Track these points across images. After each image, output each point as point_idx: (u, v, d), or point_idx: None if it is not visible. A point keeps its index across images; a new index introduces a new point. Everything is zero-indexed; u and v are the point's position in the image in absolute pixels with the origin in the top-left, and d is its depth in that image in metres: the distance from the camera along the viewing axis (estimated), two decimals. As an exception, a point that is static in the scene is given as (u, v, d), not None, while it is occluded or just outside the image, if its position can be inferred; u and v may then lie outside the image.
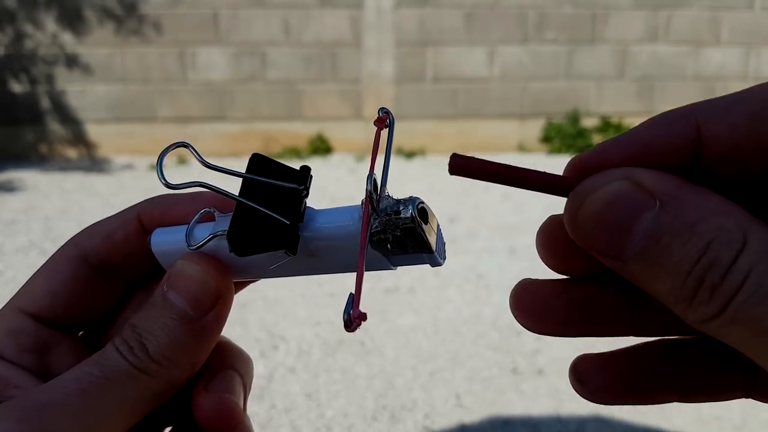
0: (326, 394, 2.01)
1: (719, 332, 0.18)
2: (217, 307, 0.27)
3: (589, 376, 0.25)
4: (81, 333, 0.32)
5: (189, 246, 0.28)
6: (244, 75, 5.32)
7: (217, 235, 0.27)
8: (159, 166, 0.26)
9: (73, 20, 5.14)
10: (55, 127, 5.35)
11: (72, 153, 5.41)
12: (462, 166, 0.23)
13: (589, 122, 5.65)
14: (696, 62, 5.62)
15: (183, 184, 0.28)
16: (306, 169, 0.28)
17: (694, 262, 0.18)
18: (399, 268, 0.28)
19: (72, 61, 5.20)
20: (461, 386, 2.04)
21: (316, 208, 0.28)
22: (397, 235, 0.25)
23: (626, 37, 5.52)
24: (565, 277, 0.26)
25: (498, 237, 3.32)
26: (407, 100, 5.49)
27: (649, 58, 5.58)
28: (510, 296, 0.26)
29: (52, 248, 3.29)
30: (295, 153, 5.44)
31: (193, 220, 0.29)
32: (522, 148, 5.67)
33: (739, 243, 0.18)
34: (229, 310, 0.28)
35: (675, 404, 0.26)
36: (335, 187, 4.52)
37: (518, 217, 3.66)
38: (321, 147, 5.48)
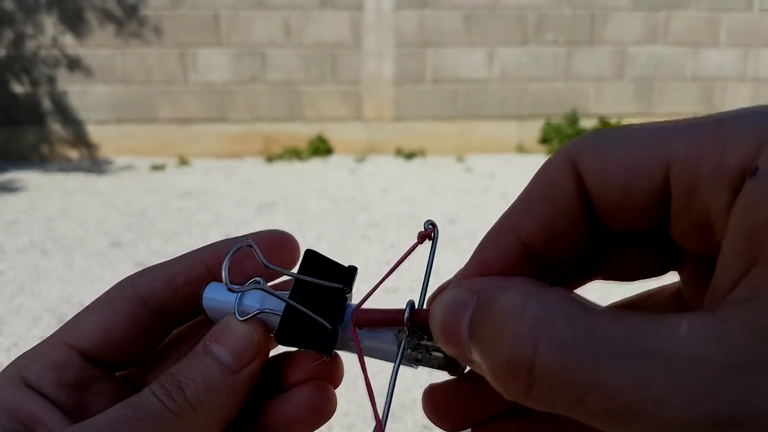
0: (327, 393, 2.02)
1: (544, 407, 0.19)
2: (254, 362, 0.28)
3: (442, 407, 0.27)
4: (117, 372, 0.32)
5: (238, 316, 0.29)
6: (244, 76, 5.34)
7: (264, 312, 0.29)
8: (226, 269, 0.28)
9: (74, 21, 5.16)
10: (56, 128, 5.36)
11: (73, 154, 5.43)
12: (364, 319, 0.27)
13: (588, 123, 5.67)
14: (694, 63, 5.63)
15: (244, 288, 0.29)
16: (353, 270, 0.30)
17: (490, 338, 0.19)
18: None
19: (73, 63, 5.21)
20: (460, 385, 2.05)
21: (354, 303, 0.29)
22: (428, 357, 0.27)
23: (625, 38, 5.53)
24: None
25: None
26: (407, 101, 5.50)
27: (647, 59, 5.60)
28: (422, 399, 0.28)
29: (53, 248, 3.31)
30: (296, 154, 5.46)
31: (245, 288, 0.30)
32: (521, 149, 5.68)
33: (519, 310, 0.19)
34: (262, 369, 0.29)
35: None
36: (335, 188, 4.54)
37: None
38: (321, 148, 5.50)
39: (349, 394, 2.01)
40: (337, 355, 0.30)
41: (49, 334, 0.30)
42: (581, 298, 0.20)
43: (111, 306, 0.30)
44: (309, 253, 0.30)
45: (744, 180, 0.17)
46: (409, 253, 0.29)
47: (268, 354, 0.29)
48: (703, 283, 0.20)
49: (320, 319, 0.28)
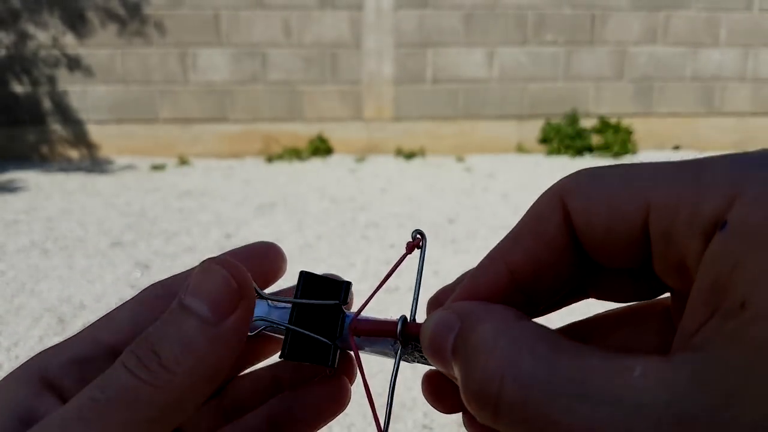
0: (327, 393, 2.02)
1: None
2: (238, 310, 0.25)
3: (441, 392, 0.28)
4: None
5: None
6: (244, 76, 5.35)
7: (271, 326, 0.30)
8: None
9: (74, 22, 5.17)
10: (56, 127, 5.37)
11: (73, 153, 5.43)
12: (362, 329, 0.29)
13: (587, 123, 5.67)
14: (694, 63, 5.64)
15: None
16: (347, 285, 0.31)
17: (465, 367, 0.21)
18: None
19: (73, 62, 5.22)
20: (460, 385, 2.05)
21: (350, 312, 0.30)
22: (423, 361, 0.29)
23: (625, 38, 5.54)
24: None
25: (498, 237, 3.33)
26: (407, 100, 5.51)
27: (647, 58, 5.60)
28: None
29: (53, 248, 3.31)
30: (296, 154, 5.46)
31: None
32: (521, 149, 5.68)
33: (491, 345, 0.20)
34: (248, 323, 0.26)
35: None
36: (335, 188, 4.54)
37: (518, 217, 3.65)
38: (321, 147, 5.50)
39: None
40: (347, 354, 0.31)
41: (49, 334, 0.29)
42: (550, 333, 0.21)
43: (144, 303, 0.29)
44: (304, 274, 0.31)
45: (715, 230, 0.18)
46: (399, 264, 0.30)
47: (254, 300, 0.27)
48: (683, 307, 0.20)
49: (320, 338, 0.29)
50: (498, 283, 0.24)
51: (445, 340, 0.23)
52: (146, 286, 0.30)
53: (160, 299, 0.29)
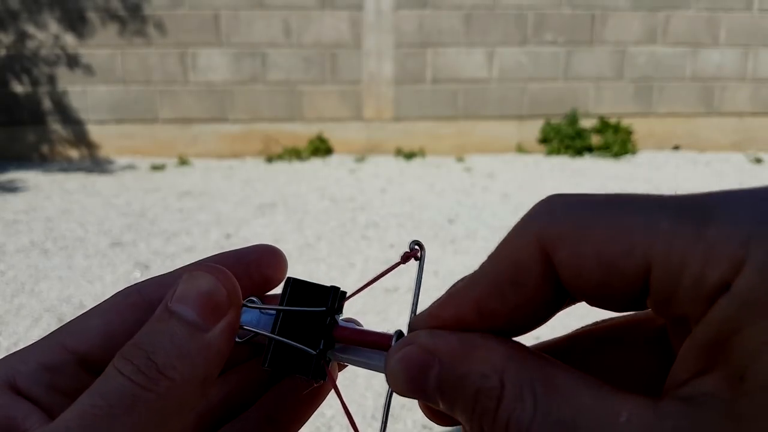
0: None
1: None
2: (228, 316, 0.25)
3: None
4: None
5: (237, 338, 0.29)
6: (244, 76, 5.35)
7: (260, 334, 0.29)
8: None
9: (74, 21, 5.17)
10: (56, 127, 5.37)
11: (73, 153, 5.43)
12: (342, 336, 0.28)
13: (587, 123, 5.68)
14: (694, 63, 5.64)
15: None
16: (335, 290, 0.29)
17: (470, 412, 0.22)
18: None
19: (73, 62, 5.22)
20: (460, 385, 2.05)
21: (344, 322, 0.30)
22: None
23: (624, 38, 5.54)
24: None
25: (497, 237, 3.33)
26: (407, 101, 5.51)
27: (647, 58, 5.60)
28: None
29: (53, 248, 3.31)
30: (296, 154, 5.47)
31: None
32: (520, 149, 5.69)
33: (498, 390, 0.21)
34: (237, 328, 0.27)
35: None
36: (335, 188, 4.54)
37: (518, 218, 3.66)
38: (321, 147, 5.50)
39: (349, 393, 2.01)
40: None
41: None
42: (545, 367, 0.21)
43: (116, 311, 0.28)
44: (291, 280, 0.30)
45: (720, 293, 0.18)
46: (386, 273, 0.29)
47: (241, 305, 0.27)
48: (681, 336, 0.20)
49: (302, 347, 0.28)
50: (466, 322, 0.23)
51: (424, 381, 0.23)
52: (118, 291, 0.29)
53: (136, 308, 0.28)
